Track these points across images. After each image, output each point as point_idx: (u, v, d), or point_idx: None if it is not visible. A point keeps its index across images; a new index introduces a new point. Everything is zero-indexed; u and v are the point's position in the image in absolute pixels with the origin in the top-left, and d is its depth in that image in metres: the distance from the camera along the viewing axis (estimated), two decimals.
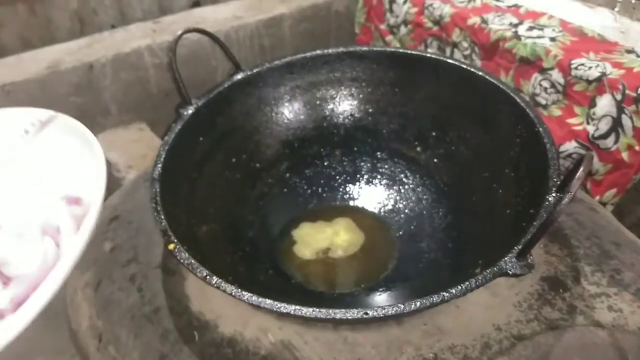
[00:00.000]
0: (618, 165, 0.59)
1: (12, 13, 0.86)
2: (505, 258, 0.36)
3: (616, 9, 0.71)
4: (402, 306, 0.35)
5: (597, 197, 0.62)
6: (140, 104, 0.82)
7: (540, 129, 0.45)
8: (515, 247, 0.36)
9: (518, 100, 0.49)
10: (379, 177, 0.61)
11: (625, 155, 0.58)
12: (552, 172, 0.41)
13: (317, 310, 0.35)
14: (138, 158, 0.75)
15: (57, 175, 0.45)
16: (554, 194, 0.40)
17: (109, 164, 0.76)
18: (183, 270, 0.49)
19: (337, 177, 0.62)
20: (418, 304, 0.35)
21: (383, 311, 0.35)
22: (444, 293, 0.35)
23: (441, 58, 0.56)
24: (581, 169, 0.34)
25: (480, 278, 0.35)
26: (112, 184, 0.73)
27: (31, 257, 0.37)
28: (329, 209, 0.60)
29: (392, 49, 0.60)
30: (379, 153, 0.61)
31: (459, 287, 0.35)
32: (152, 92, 0.82)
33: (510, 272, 0.36)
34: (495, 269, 0.36)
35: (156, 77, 0.82)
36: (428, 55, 0.58)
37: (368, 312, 0.35)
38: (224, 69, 0.85)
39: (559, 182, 0.41)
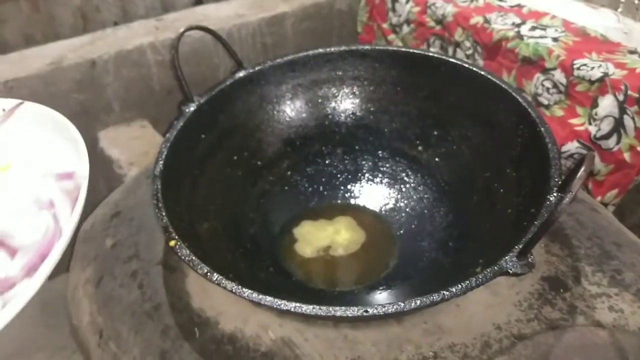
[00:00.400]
0: (620, 166, 0.59)
1: (15, 9, 0.87)
2: (506, 257, 0.36)
3: (619, 10, 0.71)
4: (403, 304, 0.35)
5: (599, 198, 0.62)
6: (142, 101, 0.82)
7: (542, 129, 0.45)
8: (516, 247, 0.36)
9: (520, 100, 0.49)
10: (380, 175, 0.61)
11: (627, 156, 0.58)
12: (554, 172, 0.41)
13: (318, 307, 0.35)
14: (140, 155, 0.75)
15: (39, 156, 0.45)
16: (555, 194, 0.40)
17: (110, 161, 0.76)
18: (184, 267, 0.49)
19: (339, 176, 0.62)
20: (418, 302, 0.35)
21: (383, 309, 0.35)
22: (444, 292, 0.35)
23: (443, 57, 0.56)
24: (582, 168, 0.34)
25: (480, 277, 0.35)
26: (114, 180, 0.73)
27: (33, 228, 0.39)
28: (330, 207, 0.60)
29: (394, 48, 0.60)
30: (380, 152, 0.61)
31: (459, 285, 0.35)
32: (155, 89, 0.83)
33: (511, 272, 0.36)
34: (495, 268, 0.36)
35: (158, 74, 0.82)
36: (430, 54, 0.58)
37: (368, 309, 0.35)
38: (226, 66, 0.85)
39: (560, 182, 0.41)
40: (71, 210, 0.40)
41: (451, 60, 0.56)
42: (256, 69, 0.58)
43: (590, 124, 0.60)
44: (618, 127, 0.58)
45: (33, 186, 0.42)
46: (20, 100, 0.48)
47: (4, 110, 0.49)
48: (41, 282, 0.34)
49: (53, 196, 0.41)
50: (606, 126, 0.59)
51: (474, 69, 0.53)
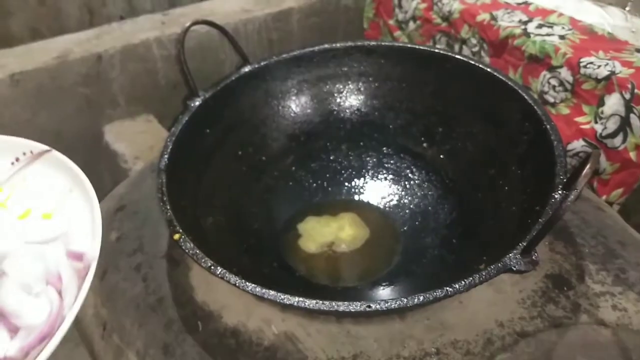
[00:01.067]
0: (625, 165, 0.59)
1: (21, 3, 0.87)
2: (510, 254, 0.36)
3: (627, 8, 0.70)
4: (405, 300, 0.35)
5: (604, 196, 0.62)
6: (148, 96, 0.82)
7: (548, 126, 0.45)
8: (520, 244, 0.36)
9: (526, 97, 0.48)
10: (384, 172, 0.61)
11: (632, 155, 0.58)
12: (559, 170, 0.41)
13: (320, 302, 0.36)
14: (145, 149, 0.75)
15: (56, 212, 0.46)
16: (560, 192, 0.40)
17: (115, 155, 0.76)
18: (188, 261, 0.49)
19: (343, 172, 0.62)
20: (421, 298, 0.35)
21: (386, 304, 0.35)
22: (448, 288, 0.35)
23: (449, 54, 0.56)
24: (587, 166, 0.34)
25: (484, 274, 0.35)
26: (119, 174, 0.74)
27: (39, 309, 0.38)
28: (334, 203, 0.60)
29: (400, 44, 0.60)
30: (385, 148, 0.61)
31: (463, 282, 0.35)
32: (160, 83, 0.83)
33: (515, 269, 0.36)
34: (499, 265, 0.36)
35: (164, 69, 0.82)
36: (436, 50, 0.57)
37: (371, 305, 0.35)
38: (232, 61, 0.85)
39: (565, 180, 0.40)
40: (77, 289, 0.39)
41: (457, 56, 0.55)
42: (262, 64, 0.58)
43: (596, 122, 0.60)
44: (624, 125, 0.58)
45: (46, 252, 0.42)
46: (48, 148, 0.49)
47: (31, 152, 0.49)
48: None
49: (62, 271, 0.40)
50: (612, 125, 0.59)
51: (480, 65, 0.53)
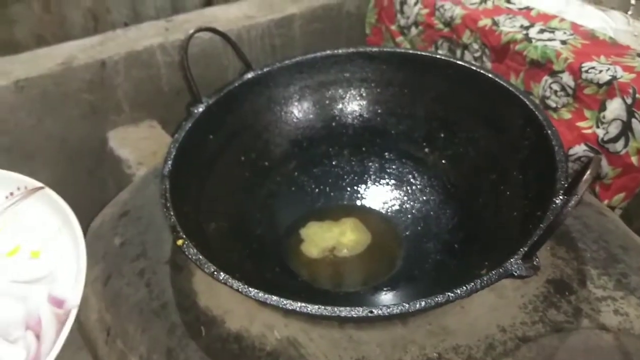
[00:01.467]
0: (627, 170, 0.59)
1: (26, 10, 0.88)
2: (511, 259, 0.36)
3: (629, 13, 0.70)
4: (407, 305, 0.35)
5: (606, 201, 0.62)
6: (151, 102, 0.83)
7: (549, 132, 0.45)
8: (521, 249, 0.37)
9: (527, 102, 0.49)
10: (386, 177, 0.61)
11: (634, 160, 0.58)
12: (560, 175, 0.41)
13: (323, 307, 0.36)
14: (149, 155, 0.75)
15: (43, 252, 0.46)
16: (561, 197, 0.40)
17: (119, 161, 0.76)
18: (191, 266, 0.50)
19: (345, 177, 0.62)
20: (423, 303, 0.35)
21: (388, 310, 0.35)
22: (449, 293, 0.35)
23: (451, 59, 0.56)
24: (588, 171, 0.34)
25: (485, 279, 0.36)
26: (123, 180, 0.74)
27: (14, 356, 0.39)
28: (337, 208, 0.60)
29: (402, 50, 0.60)
30: (387, 153, 0.61)
31: (464, 287, 0.35)
32: (164, 90, 0.83)
33: (516, 274, 0.36)
34: (500, 270, 0.36)
35: (168, 75, 0.82)
36: (438, 56, 0.58)
37: (373, 310, 0.35)
38: (235, 68, 0.85)
39: (566, 185, 0.41)
40: (56, 334, 0.39)
41: (458, 62, 0.56)
42: (264, 70, 0.59)
43: (598, 127, 0.60)
44: (626, 130, 0.58)
45: (29, 293, 0.42)
46: (42, 185, 0.49)
47: (25, 188, 0.50)
48: None
49: (42, 315, 0.41)
50: (614, 129, 0.59)
51: (481, 71, 0.53)
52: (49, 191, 0.49)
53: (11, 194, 0.50)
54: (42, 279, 0.44)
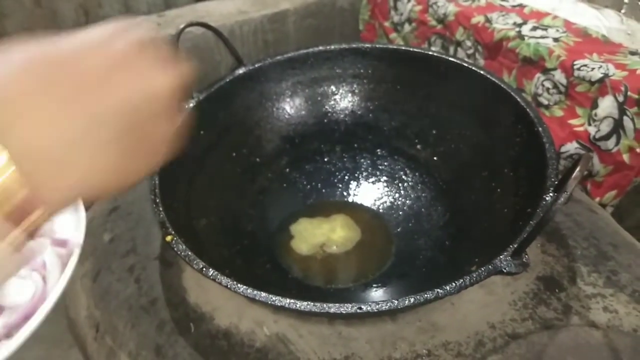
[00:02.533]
0: (619, 167, 0.59)
1: (17, 4, 0.87)
2: (500, 256, 0.36)
3: (623, 11, 0.70)
4: (396, 302, 0.35)
5: (597, 199, 0.62)
6: None
7: (540, 129, 0.45)
8: (511, 246, 0.36)
9: (519, 99, 0.49)
10: (378, 174, 0.61)
11: (626, 157, 0.58)
12: (550, 172, 0.41)
13: (312, 304, 0.36)
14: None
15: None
16: (551, 194, 0.40)
17: None
18: (181, 262, 0.49)
19: (337, 173, 0.62)
20: (412, 300, 0.35)
21: (377, 306, 0.35)
22: (438, 290, 0.35)
23: (443, 56, 0.56)
24: (578, 169, 0.34)
25: (474, 276, 0.36)
26: None
27: (23, 290, 0.40)
28: (328, 204, 0.60)
29: (394, 46, 0.60)
30: (379, 150, 0.61)
31: (453, 284, 0.35)
32: None
33: (505, 271, 0.36)
34: (490, 267, 0.36)
35: None
36: (430, 53, 0.58)
37: (362, 306, 0.35)
38: (228, 63, 0.85)
39: (557, 182, 0.41)
40: (60, 274, 0.40)
41: (450, 59, 0.55)
42: (256, 65, 0.58)
43: (589, 124, 0.60)
44: (617, 128, 0.58)
45: (29, 245, 0.43)
46: None
47: None
48: (19, 344, 0.34)
49: (46, 258, 0.42)
50: (606, 127, 0.59)
51: (473, 68, 0.53)
52: None
53: None
54: (43, 234, 0.44)
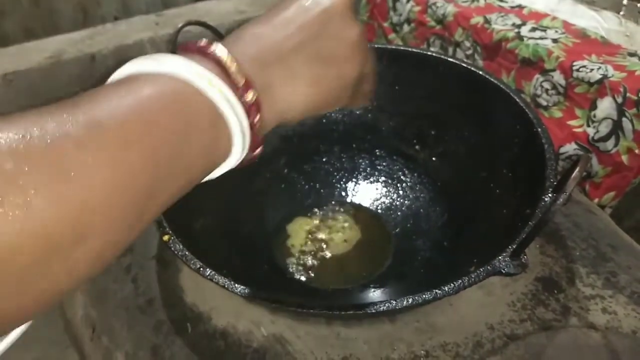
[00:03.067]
0: (617, 168, 0.59)
1: (15, 2, 0.87)
2: (499, 257, 0.36)
3: (621, 13, 0.70)
4: (394, 302, 0.35)
5: (596, 200, 0.62)
6: None
7: (539, 130, 0.45)
8: (509, 247, 0.36)
9: (517, 100, 0.48)
10: (377, 174, 0.61)
11: (625, 159, 0.58)
12: (549, 173, 0.41)
13: (309, 304, 0.35)
14: None
15: None
16: (550, 195, 0.40)
17: None
18: (178, 262, 0.49)
19: (336, 174, 0.62)
20: (410, 300, 0.35)
21: (375, 307, 0.35)
22: (436, 290, 0.35)
23: (442, 56, 0.56)
24: (577, 169, 0.34)
25: (472, 276, 0.35)
26: None
27: None
28: (327, 204, 0.60)
29: (393, 47, 0.60)
30: (377, 150, 0.61)
31: (451, 284, 0.35)
32: None
33: (504, 271, 0.36)
34: (488, 267, 0.36)
35: None
36: (429, 53, 0.58)
37: (360, 307, 0.35)
38: None
39: (555, 183, 0.40)
40: None
41: (449, 59, 0.55)
42: None
43: (588, 125, 0.60)
44: (616, 129, 0.58)
45: None
46: None
47: None
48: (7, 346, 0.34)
49: None
50: (604, 128, 0.59)
51: (472, 68, 0.53)
52: None
53: None
54: None
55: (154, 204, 0.23)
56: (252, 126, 0.27)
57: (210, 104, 0.25)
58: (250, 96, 0.26)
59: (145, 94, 0.23)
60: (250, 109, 0.26)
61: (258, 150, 0.29)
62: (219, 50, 0.26)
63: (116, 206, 0.21)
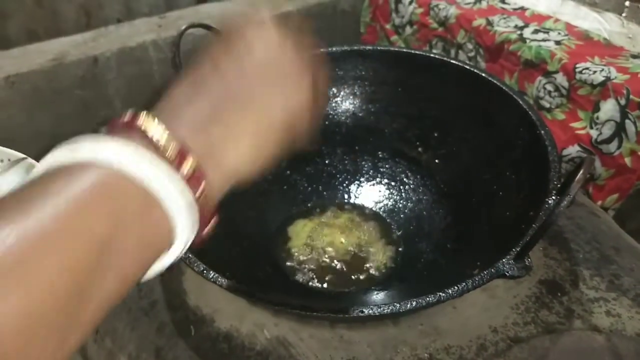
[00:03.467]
0: (621, 171, 0.59)
1: (18, 4, 0.87)
2: (503, 260, 0.36)
3: (624, 15, 0.70)
4: (398, 305, 0.35)
5: (599, 202, 0.62)
6: (144, 98, 0.82)
7: (542, 132, 0.45)
8: (513, 249, 0.36)
9: (520, 102, 0.48)
10: (379, 176, 0.61)
11: (628, 161, 0.58)
12: (553, 175, 0.41)
13: (312, 307, 0.35)
14: None
15: None
16: (553, 197, 0.40)
17: None
18: (181, 265, 0.49)
19: (338, 176, 0.62)
20: (414, 303, 0.35)
21: (379, 310, 0.35)
22: (440, 293, 0.35)
23: (445, 59, 0.56)
24: (581, 172, 0.34)
25: (476, 279, 0.35)
26: None
27: None
28: (329, 206, 0.60)
29: (396, 49, 0.60)
30: (380, 152, 0.61)
31: (455, 287, 0.35)
32: (157, 86, 0.82)
33: (508, 274, 0.36)
34: (492, 270, 0.36)
35: (160, 71, 0.82)
36: (432, 55, 0.58)
37: (364, 310, 0.35)
38: None
39: (559, 185, 0.40)
40: None
41: (452, 61, 0.55)
42: None
43: (591, 127, 0.60)
44: (619, 131, 0.58)
45: None
46: (24, 156, 0.49)
47: (9, 160, 0.49)
48: None
49: None
50: (607, 130, 0.59)
51: (475, 70, 0.53)
52: (30, 161, 0.48)
53: None
54: None
55: (81, 322, 0.20)
56: (197, 199, 0.24)
57: (141, 188, 0.22)
58: (188, 166, 0.24)
59: (64, 195, 0.20)
60: (191, 181, 0.24)
61: (212, 223, 0.27)
62: (147, 122, 0.24)
63: (31, 334, 0.18)
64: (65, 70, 0.74)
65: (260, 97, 0.29)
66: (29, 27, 0.90)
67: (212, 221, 0.27)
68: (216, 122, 0.27)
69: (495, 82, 0.52)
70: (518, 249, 0.36)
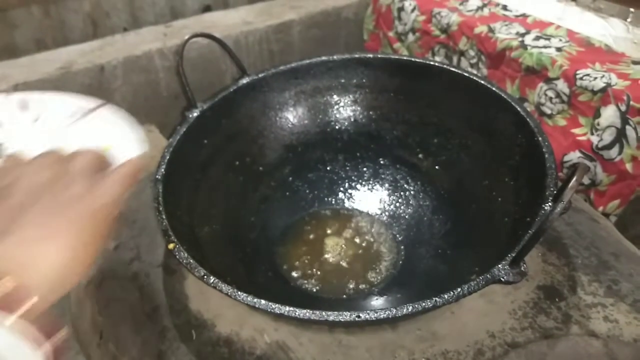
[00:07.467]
0: (622, 177, 0.59)
1: (26, 14, 0.88)
2: (499, 265, 0.36)
3: (629, 20, 0.71)
4: (395, 310, 0.35)
5: (600, 208, 0.62)
6: (149, 106, 0.83)
7: (540, 138, 0.45)
8: (509, 255, 0.37)
9: (519, 109, 0.49)
10: (380, 182, 0.62)
11: (629, 167, 0.58)
12: (550, 181, 0.41)
13: (311, 312, 0.36)
14: (146, 159, 0.76)
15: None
16: (550, 203, 0.40)
17: None
18: (183, 270, 0.50)
19: (340, 182, 0.62)
20: (410, 308, 0.35)
21: (376, 314, 0.35)
22: (437, 299, 0.35)
23: (444, 66, 0.57)
24: (574, 179, 0.34)
25: (472, 285, 0.36)
26: None
27: None
28: (331, 213, 0.61)
29: (397, 56, 0.61)
30: (381, 159, 0.62)
31: (452, 293, 0.35)
32: (162, 94, 0.84)
33: (504, 280, 0.36)
34: (488, 276, 0.36)
35: (166, 80, 0.83)
36: (432, 63, 0.58)
37: (360, 315, 0.35)
38: (233, 73, 0.86)
39: (556, 192, 0.41)
40: None
41: (452, 69, 0.56)
42: (259, 75, 0.59)
43: (592, 134, 0.60)
44: (620, 137, 0.58)
45: None
46: (104, 101, 0.49)
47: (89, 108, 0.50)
48: None
49: None
50: (608, 136, 0.59)
51: (474, 78, 0.54)
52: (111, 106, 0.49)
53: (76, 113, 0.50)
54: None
55: None
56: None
57: None
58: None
59: None
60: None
61: (52, 341, 0.25)
62: None
63: None
64: (73, 78, 0.75)
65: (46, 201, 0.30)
66: (37, 37, 0.91)
67: (52, 340, 0.25)
68: (10, 234, 0.27)
69: (494, 89, 0.52)
70: (513, 255, 0.36)
